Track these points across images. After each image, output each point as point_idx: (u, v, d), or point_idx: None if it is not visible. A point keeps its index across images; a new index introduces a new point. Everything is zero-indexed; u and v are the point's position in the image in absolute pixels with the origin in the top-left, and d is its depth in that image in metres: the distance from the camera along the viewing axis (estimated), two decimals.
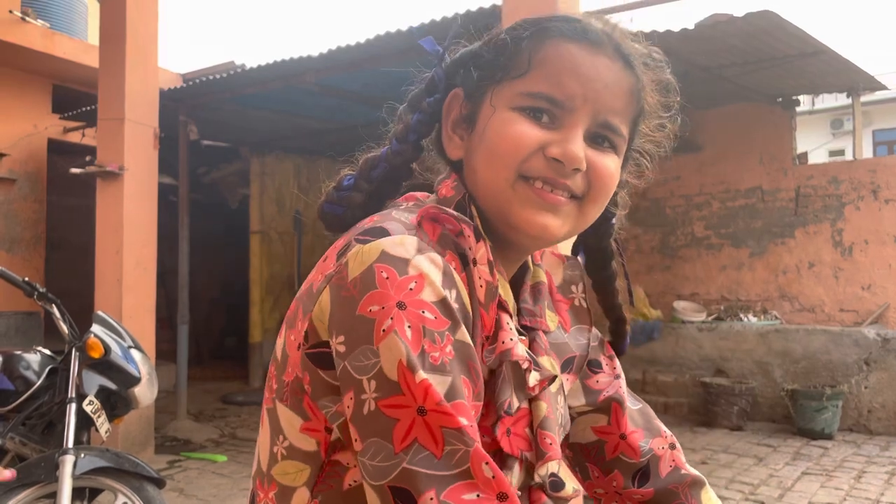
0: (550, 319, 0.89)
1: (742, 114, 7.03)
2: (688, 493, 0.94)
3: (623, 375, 0.97)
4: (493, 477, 0.64)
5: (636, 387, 6.39)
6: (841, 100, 9.38)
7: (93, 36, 7.42)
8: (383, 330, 0.66)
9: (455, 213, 0.75)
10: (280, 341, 0.77)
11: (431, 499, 0.62)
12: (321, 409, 0.72)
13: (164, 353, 6.51)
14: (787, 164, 6.93)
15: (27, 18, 6.93)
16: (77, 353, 2.65)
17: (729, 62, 5.65)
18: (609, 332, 0.98)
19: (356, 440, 0.67)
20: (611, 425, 0.94)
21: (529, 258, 0.89)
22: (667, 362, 6.52)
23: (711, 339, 6.40)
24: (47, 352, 2.83)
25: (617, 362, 0.97)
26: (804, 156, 7.23)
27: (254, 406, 6.96)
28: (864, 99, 7.62)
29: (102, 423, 2.62)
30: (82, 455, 2.47)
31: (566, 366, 0.89)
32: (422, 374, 0.65)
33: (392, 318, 0.66)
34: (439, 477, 0.63)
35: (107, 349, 2.66)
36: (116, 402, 2.71)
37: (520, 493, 0.76)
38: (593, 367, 0.95)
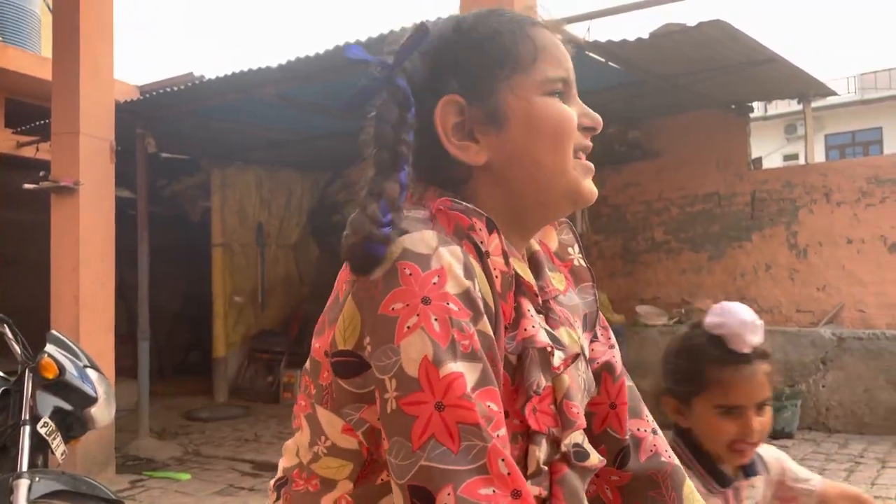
0: (558, 281, 0.90)
1: (698, 121, 7.16)
2: (669, 484, 0.94)
3: (617, 346, 0.97)
4: (509, 473, 0.65)
5: None
6: (794, 105, 9.62)
7: (46, 48, 7.28)
8: (407, 327, 0.66)
9: (465, 205, 0.77)
10: (312, 353, 0.79)
11: (449, 494, 0.63)
12: (345, 417, 0.74)
13: (126, 370, 6.37)
14: (743, 169, 7.08)
15: None
16: (30, 374, 2.58)
17: (684, 70, 5.76)
18: None
19: (384, 439, 0.68)
20: (600, 395, 0.93)
21: None
22: (630, 366, 6.44)
23: None
24: (0, 373, 2.77)
25: (611, 333, 0.98)
26: (759, 161, 7.41)
27: (219, 422, 6.86)
28: (815, 105, 7.83)
29: (58, 446, 2.56)
30: (37, 478, 2.41)
31: (583, 325, 0.91)
32: (449, 367, 0.65)
33: (418, 315, 0.66)
34: (457, 472, 0.64)
35: (61, 369, 2.60)
36: (72, 423, 2.64)
37: (546, 467, 0.78)
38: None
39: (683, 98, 6.53)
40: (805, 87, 6.80)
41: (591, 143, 0.85)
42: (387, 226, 0.70)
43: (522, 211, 0.83)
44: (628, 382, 0.97)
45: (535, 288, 0.82)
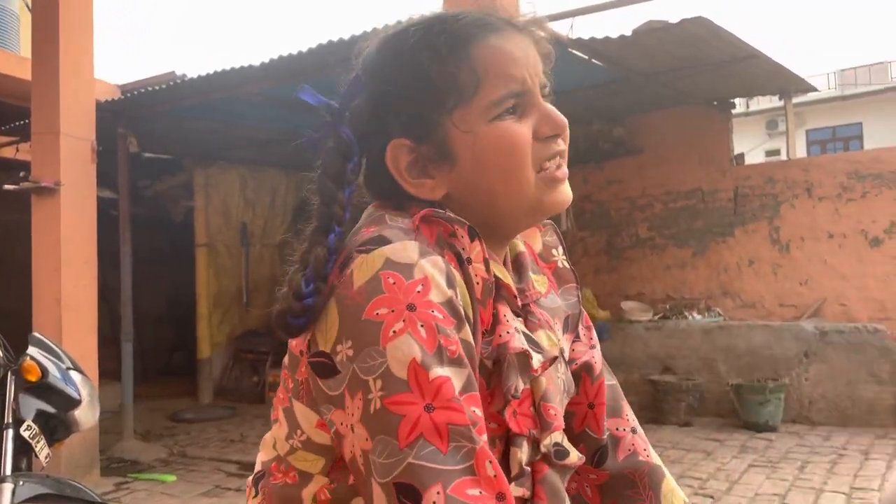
0: (540, 284, 0.90)
1: (680, 117, 7.21)
2: (646, 483, 0.94)
3: (598, 346, 0.98)
4: (495, 476, 0.66)
5: None
6: (775, 101, 9.71)
7: (25, 48, 7.18)
8: (393, 332, 0.67)
9: (448, 214, 0.77)
10: (290, 348, 0.81)
11: (438, 493, 0.63)
12: (320, 414, 0.75)
13: (109, 372, 6.32)
14: (725, 165, 7.14)
15: None
16: (13, 377, 2.55)
17: (666, 67, 5.79)
18: None
19: (366, 440, 0.68)
20: (579, 395, 0.94)
21: None
22: (616, 362, 6.63)
23: (658, 338, 6.53)
24: None
25: (594, 333, 0.99)
26: (741, 157, 7.46)
27: (204, 423, 6.82)
28: (796, 100, 7.90)
29: (42, 449, 2.53)
30: (21, 482, 2.38)
31: (563, 327, 0.91)
32: (437, 372, 0.66)
33: (404, 321, 0.67)
34: (446, 471, 0.64)
35: (44, 372, 2.57)
36: (56, 426, 2.62)
37: (528, 468, 0.79)
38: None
39: (666, 95, 6.57)
40: (786, 84, 6.86)
41: (560, 147, 0.81)
42: (309, 297, 0.72)
43: (492, 227, 0.82)
44: (609, 381, 0.97)
45: (515, 290, 0.83)
